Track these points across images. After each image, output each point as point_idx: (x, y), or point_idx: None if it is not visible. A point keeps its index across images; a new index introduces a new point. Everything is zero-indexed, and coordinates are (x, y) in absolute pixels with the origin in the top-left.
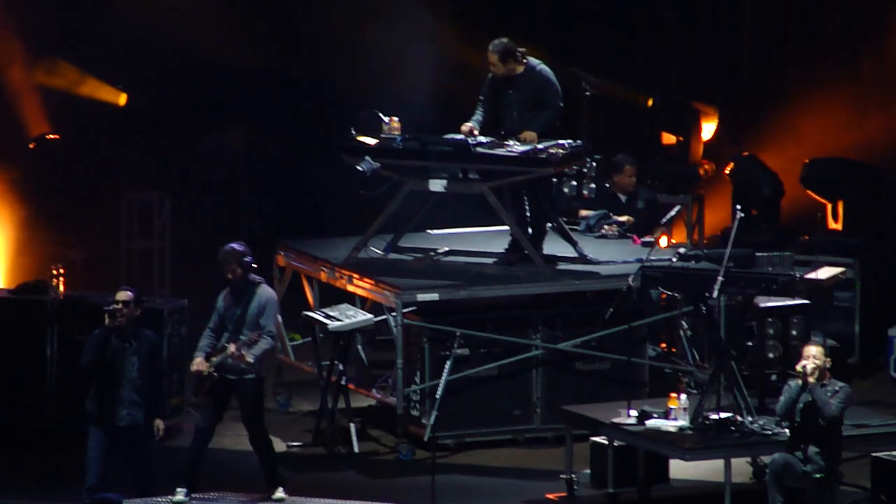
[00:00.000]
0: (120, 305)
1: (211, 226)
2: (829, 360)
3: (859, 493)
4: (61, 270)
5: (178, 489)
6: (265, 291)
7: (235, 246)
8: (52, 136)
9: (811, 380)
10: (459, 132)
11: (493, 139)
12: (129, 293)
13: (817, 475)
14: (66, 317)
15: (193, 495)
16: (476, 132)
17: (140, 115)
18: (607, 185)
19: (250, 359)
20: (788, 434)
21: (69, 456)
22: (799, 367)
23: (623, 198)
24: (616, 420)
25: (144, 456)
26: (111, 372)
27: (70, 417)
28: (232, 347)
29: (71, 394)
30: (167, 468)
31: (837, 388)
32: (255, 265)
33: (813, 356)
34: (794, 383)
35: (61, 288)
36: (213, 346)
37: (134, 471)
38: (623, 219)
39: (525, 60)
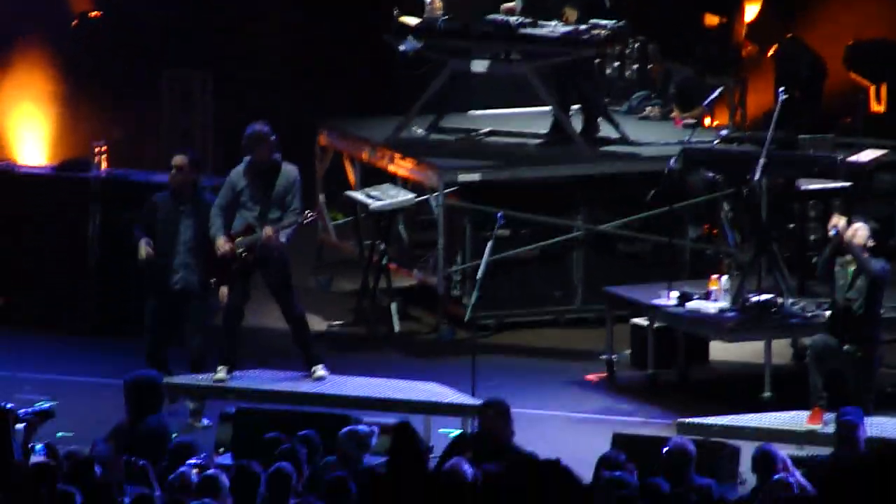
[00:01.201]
0: (174, 170)
1: (253, 104)
2: (871, 240)
3: None
4: (104, 148)
5: (220, 367)
6: (290, 170)
7: (260, 128)
8: (94, 14)
9: (848, 236)
10: (501, 11)
11: (534, 19)
12: (183, 157)
13: (857, 354)
14: (108, 194)
15: (235, 373)
16: (517, 10)
17: None
18: (649, 66)
19: (283, 238)
20: (829, 314)
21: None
22: (831, 227)
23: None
24: (656, 301)
25: (199, 322)
26: (165, 235)
27: (112, 296)
28: (268, 229)
29: (113, 271)
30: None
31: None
32: (278, 146)
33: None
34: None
35: (104, 165)
36: (228, 224)
37: (187, 337)
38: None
39: None
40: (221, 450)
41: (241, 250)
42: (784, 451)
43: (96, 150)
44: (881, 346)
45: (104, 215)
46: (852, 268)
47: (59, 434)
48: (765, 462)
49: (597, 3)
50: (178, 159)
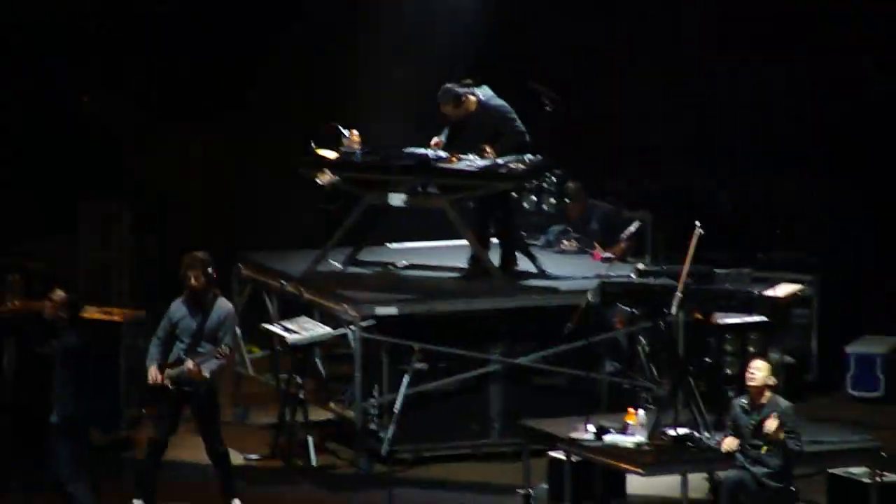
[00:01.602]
0: (49, 303)
1: (169, 238)
2: (773, 378)
3: None
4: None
5: (135, 500)
6: (225, 304)
7: (201, 254)
8: None
9: (781, 436)
10: (427, 146)
11: (452, 154)
12: (62, 294)
13: (768, 494)
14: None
15: None
16: (441, 146)
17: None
18: (566, 201)
19: (207, 374)
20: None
21: None
22: (765, 431)
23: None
24: (574, 435)
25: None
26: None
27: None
28: (190, 363)
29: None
30: (128, 479)
31: (780, 412)
32: (216, 277)
33: (758, 369)
34: (739, 405)
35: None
36: (164, 356)
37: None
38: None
39: (475, 96)
40: None
41: (167, 382)
42: None
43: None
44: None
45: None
46: (755, 414)
47: None
48: None
49: (516, 147)
50: (57, 295)
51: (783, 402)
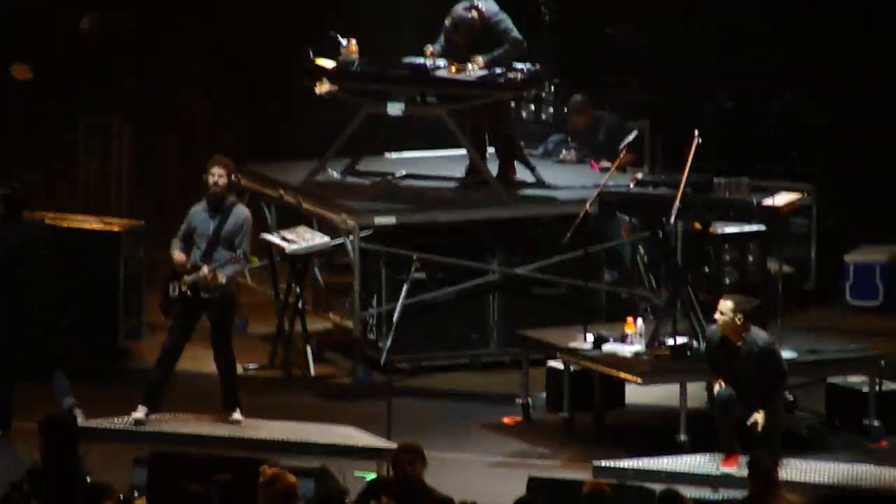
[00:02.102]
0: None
1: (168, 149)
2: (741, 315)
3: (814, 418)
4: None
5: (140, 406)
6: (242, 211)
7: (226, 158)
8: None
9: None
10: (423, 54)
11: (450, 63)
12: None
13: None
14: None
15: (152, 416)
16: (437, 54)
17: (97, 39)
18: (565, 110)
19: (223, 279)
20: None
21: None
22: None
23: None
24: (572, 345)
25: None
26: None
27: None
28: (205, 269)
29: None
30: (125, 388)
31: (758, 349)
32: (238, 183)
33: (729, 309)
34: (716, 337)
35: None
36: (187, 250)
37: None
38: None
39: (476, 8)
40: (136, 493)
41: (184, 288)
42: (699, 494)
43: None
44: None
45: None
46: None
47: None
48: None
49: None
50: None
51: (761, 339)
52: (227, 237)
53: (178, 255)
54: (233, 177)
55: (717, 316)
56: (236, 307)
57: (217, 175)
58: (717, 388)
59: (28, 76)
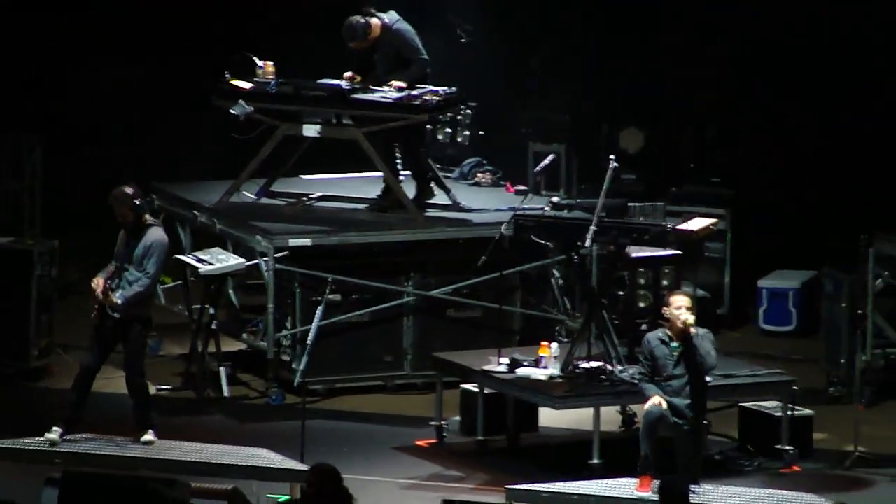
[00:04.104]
0: None
1: (82, 167)
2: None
3: (727, 442)
4: None
5: (54, 428)
6: (154, 233)
7: (125, 189)
8: None
9: (693, 331)
10: (342, 78)
11: (366, 86)
12: None
13: (686, 427)
14: None
15: (66, 436)
16: (357, 79)
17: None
18: (481, 133)
19: (117, 300)
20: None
21: None
22: (682, 322)
23: None
24: (486, 368)
25: None
26: None
27: None
28: (100, 280)
29: None
30: (40, 409)
31: (701, 334)
32: (144, 207)
33: (686, 307)
34: (656, 338)
35: None
36: (110, 273)
37: None
38: None
39: (379, 20)
40: None
41: (96, 306)
42: None
43: None
44: (706, 414)
45: None
46: (674, 344)
47: None
48: None
49: (419, 78)
50: None
51: (701, 329)
52: (137, 259)
53: (95, 279)
54: (135, 202)
55: (675, 312)
56: (147, 328)
57: (119, 214)
58: (648, 405)
59: None
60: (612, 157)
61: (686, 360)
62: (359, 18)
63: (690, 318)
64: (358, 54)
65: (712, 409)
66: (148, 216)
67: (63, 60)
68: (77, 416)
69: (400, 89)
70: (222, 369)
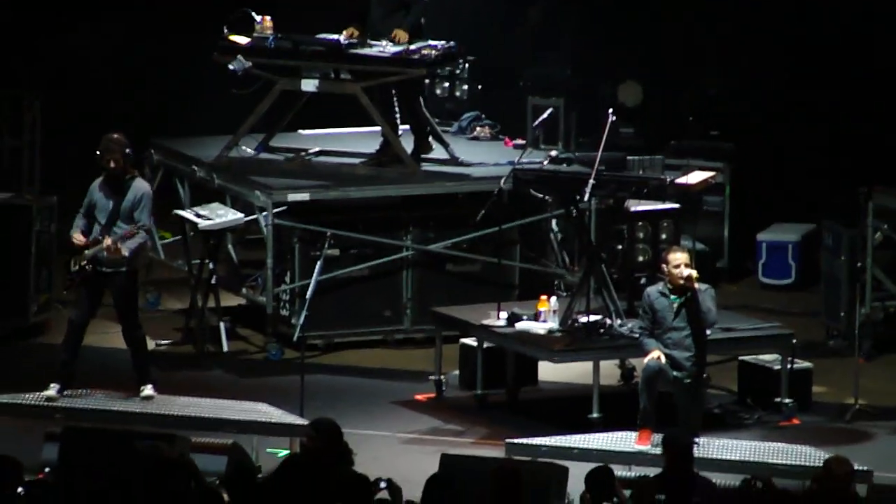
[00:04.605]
0: None
1: (81, 122)
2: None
3: (726, 396)
4: None
5: (52, 384)
6: (141, 184)
7: (118, 136)
8: None
9: (698, 286)
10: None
11: (364, 39)
12: None
13: (686, 380)
14: None
15: (65, 392)
16: (356, 34)
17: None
18: (479, 87)
19: (126, 252)
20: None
21: None
22: (683, 277)
23: None
24: (486, 322)
25: None
26: None
27: None
28: (108, 240)
29: None
30: (39, 365)
31: (703, 289)
32: (131, 157)
33: (685, 263)
34: (656, 291)
35: None
36: (87, 229)
37: None
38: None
39: None
40: (47, 469)
41: (84, 262)
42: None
43: None
44: (706, 367)
45: None
46: (674, 296)
47: None
48: (602, 479)
49: (418, 21)
50: None
51: (702, 284)
52: (126, 212)
53: (76, 236)
54: (127, 151)
55: (675, 271)
56: (136, 277)
57: (111, 159)
58: (647, 359)
59: None
60: (610, 110)
61: (687, 313)
62: None
63: (694, 273)
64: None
65: (712, 363)
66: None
67: (62, 16)
68: (70, 373)
69: (398, 42)
70: (222, 324)
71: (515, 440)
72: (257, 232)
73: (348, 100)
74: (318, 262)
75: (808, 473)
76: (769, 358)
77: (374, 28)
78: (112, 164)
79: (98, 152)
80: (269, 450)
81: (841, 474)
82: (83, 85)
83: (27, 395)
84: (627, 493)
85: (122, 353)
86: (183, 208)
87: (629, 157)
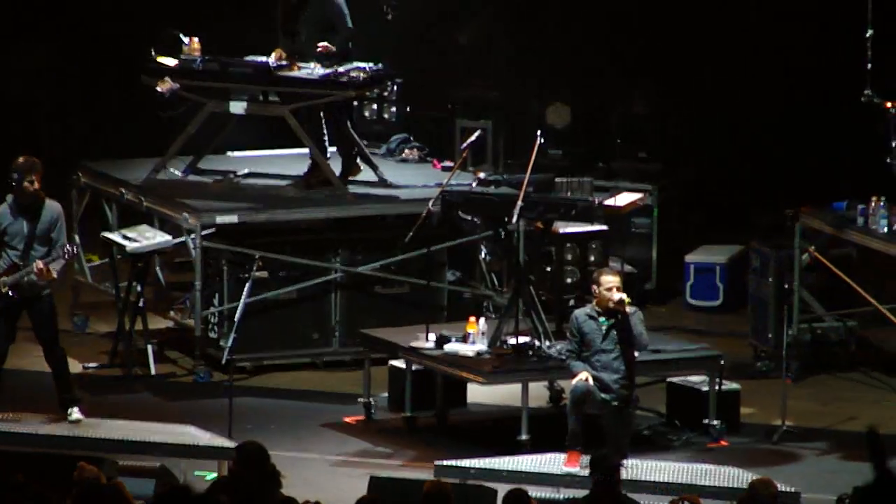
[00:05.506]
0: None
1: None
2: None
3: (655, 417)
4: None
5: None
6: (54, 205)
7: (25, 161)
8: None
9: (630, 309)
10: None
11: (293, 62)
12: None
13: (615, 403)
14: None
15: None
16: (284, 56)
17: None
18: (408, 109)
19: (55, 274)
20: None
21: None
22: (615, 301)
23: None
24: (414, 344)
25: None
26: None
27: None
28: (39, 263)
29: None
30: None
31: (632, 312)
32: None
33: (616, 286)
34: (584, 314)
35: None
36: None
37: None
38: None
39: None
40: None
41: (5, 289)
42: (542, 493)
43: None
44: (635, 389)
45: None
46: (603, 319)
47: None
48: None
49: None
50: None
51: (631, 307)
52: (43, 234)
53: None
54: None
55: (606, 293)
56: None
57: (33, 180)
58: (575, 381)
59: None
60: (538, 132)
61: (617, 335)
62: None
63: (625, 297)
64: (283, 24)
65: (640, 385)
66: None
67: None
68: None
69: (326, 56)
70: (149, 347)
71: (445, 462)
72: (186, 254)
73: (277, 122)
74: (247, 285)
75: (736, 495)
76: (697, 379)
77: (298, 49)
78: (33, 187)
79: (16, 174)
80: (197, 472)
81: (765, 496)
82: (9, 108)
83: None
84: None
85: (47, 376)
86: (111, 231)
87: (558, 179)
